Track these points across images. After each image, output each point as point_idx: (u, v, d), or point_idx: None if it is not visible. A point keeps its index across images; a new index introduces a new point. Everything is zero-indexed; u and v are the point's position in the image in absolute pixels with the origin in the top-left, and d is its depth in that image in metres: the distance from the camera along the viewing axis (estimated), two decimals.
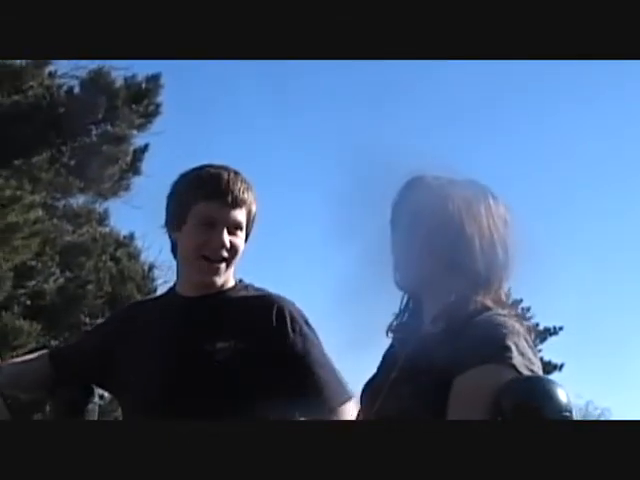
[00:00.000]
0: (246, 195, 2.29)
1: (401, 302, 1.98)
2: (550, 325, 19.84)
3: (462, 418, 1.69)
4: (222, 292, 2.34)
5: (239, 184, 2.28)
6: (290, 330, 2.27)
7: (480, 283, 1.85)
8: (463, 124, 20.68)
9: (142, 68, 14.26)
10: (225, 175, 2.28)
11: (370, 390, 1.97)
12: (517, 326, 1.79)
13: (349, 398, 2.30)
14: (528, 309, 11.98)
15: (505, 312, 1.83)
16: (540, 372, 1.78)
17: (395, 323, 1.98)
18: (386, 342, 2.03)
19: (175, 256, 2.39)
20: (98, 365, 2.42)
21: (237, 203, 2.27)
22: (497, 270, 1.86)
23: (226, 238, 2.27)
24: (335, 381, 2.31)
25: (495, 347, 1.73)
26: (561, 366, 19.36)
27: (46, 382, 2.47)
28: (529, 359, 1.75)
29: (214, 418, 2.10)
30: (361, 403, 2.01)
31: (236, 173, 2.31)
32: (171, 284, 2.48)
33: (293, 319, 2.29)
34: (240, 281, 2.39)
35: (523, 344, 1.76)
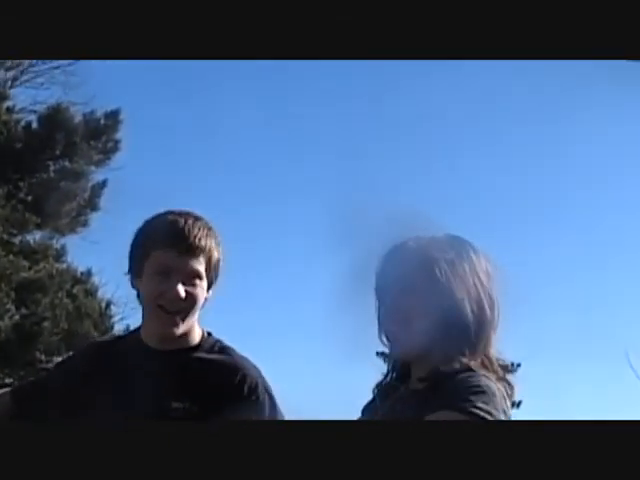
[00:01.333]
0: (204, 242, 2.19)
1: (389, 363, 1.98)
2: (507, 362, 19.96)
3: None
4: (188, 350, 2.28)
5: (196, 231, 2.19)
6: (245, 399, 2.22)
7: (470, 344, 1.85)
8: (462, 124, 20.80)
9: (101, 104, 14.27)
10: (181, 222, 2.19)
11: None
12: (493, 387, 1.79)
13: None
14: None
15: (485, 372, 1.82)
16: None
17: (384, 382, 1.98)
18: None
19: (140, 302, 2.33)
20: (59, 403, 2.35)
21: (193, 251, 2.17)
22: (486, 328, 1.87)
23: (181, 289, 2.18)
24: None
25: (463, 401, 1.74)
26: (519, 403, 19.46)
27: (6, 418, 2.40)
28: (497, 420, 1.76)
29: None
30: None
31: (196, 219, 2.22)
32: (128, 321, 2.42)
33: (251, 390, 2.22)
34: (209, 335, 2.31)
35: (494, 406, 1.76)
